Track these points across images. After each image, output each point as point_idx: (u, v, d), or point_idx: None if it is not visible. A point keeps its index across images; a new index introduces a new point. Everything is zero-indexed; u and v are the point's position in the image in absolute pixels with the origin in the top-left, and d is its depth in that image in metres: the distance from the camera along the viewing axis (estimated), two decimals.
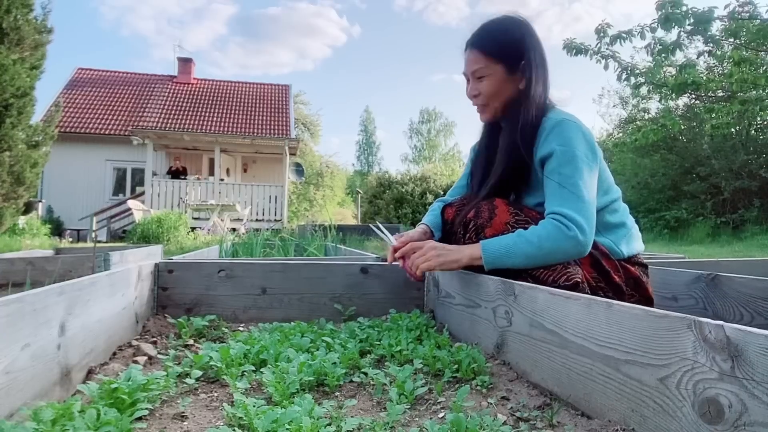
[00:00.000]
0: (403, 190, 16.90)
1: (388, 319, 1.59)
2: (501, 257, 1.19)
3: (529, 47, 1.34)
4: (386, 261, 1.52)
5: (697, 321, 0.63)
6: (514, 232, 1.23)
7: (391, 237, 1.46)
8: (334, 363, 1.08)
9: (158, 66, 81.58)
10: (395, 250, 1.38)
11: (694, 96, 9.52)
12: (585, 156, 1.24)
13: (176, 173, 13.41)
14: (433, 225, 1.53)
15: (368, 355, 1.23)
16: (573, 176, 1.20)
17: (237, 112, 17.41)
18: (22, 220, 8.52)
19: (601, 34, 6.39)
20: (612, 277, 1.25)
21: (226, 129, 16.24)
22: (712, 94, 8.13)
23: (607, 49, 6.52)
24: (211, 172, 14.05)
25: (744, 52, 6.75)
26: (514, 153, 1.32)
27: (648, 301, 1.32)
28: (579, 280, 1.19)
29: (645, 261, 1.41)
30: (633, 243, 1.37)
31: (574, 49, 6.54)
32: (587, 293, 1.20)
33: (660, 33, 6.21)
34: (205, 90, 18.42)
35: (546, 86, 1.36)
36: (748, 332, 0.56)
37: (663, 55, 6.41)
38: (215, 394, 0.99)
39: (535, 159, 1.29)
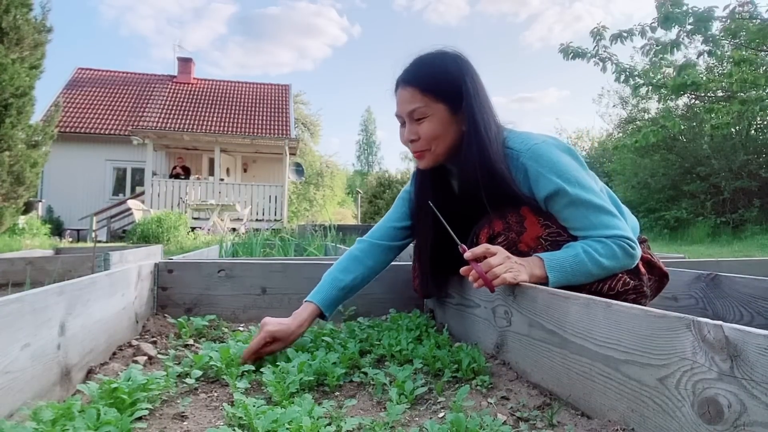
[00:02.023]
0: None
1: (388, 319, 1.59)
2: (566, 280, 1.11)
3: (468, 84, 1.21)
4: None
5: (696, 321, 0.63)
6: (550, 244, 1.17)
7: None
8: (334, 363, 1.08)
9: (157, 66, 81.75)
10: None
11: (693, 96, 9.52)
12: (579, 170, 1.19)
13: (176, 176, 13.41)
14: (325, 303, 1.29)
15: (368, 355, 1.23)
16: (593, 198, 1.15)
17: (237, 112, 17.40)
18: (22, 220, 8.52)
19: (597, 37, 6.39)
20: (639, 267, 1.21)
21: (226, 129, 16.23)
22: (712, 94, 8.13)
23: (604, 51, 6.51)
24: (211, 172, 14.05)
25: (744, 52, 6.75)
26: (501, 196, 1.19)
27: (663, 276, 1.30)
28: (635, 282, 1.17)
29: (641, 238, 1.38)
30: (631, 220, 1.35)
31: (571, 53, 6.54)
32: (642, 291, 1.19)
33: (659, 33, 6.22)
34: (205, 90, 18.42)
35: (495, 119, 1.25)
36: (747, 332, 0.56)
37: (660, 55, 6.41)
38: (215, 394, 0.99)
39: (537, 197, 1.18)
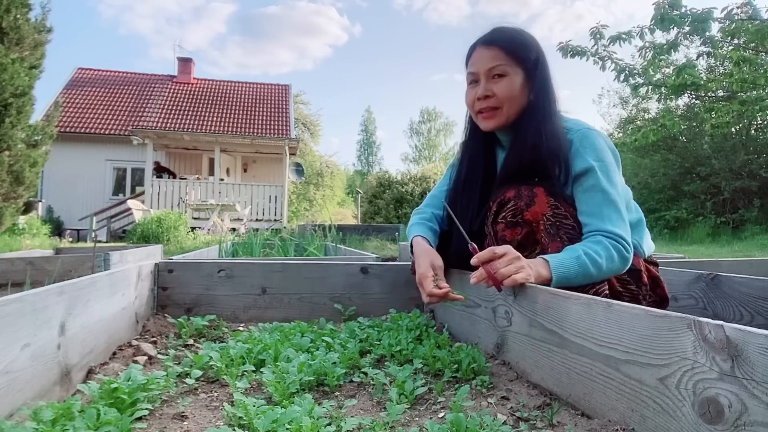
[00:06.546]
0: (403, 190, 16.87)
1: (388, 319, 1.59)
2: (567, 281, 1.11)
3: (542, 57, 1.31)
4: (386, 261, 1.46)
5: (697, 321, 0.63)
6: (551, 225, 1.19)
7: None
8: (334, 363, 1.08)
9: (157, 65, 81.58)
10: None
11: (694, 96, 9.52)
12: (614, 166, 1.25)
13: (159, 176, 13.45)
14: (431, 239, 1.42)
15: (368, 355, 1.23)
16: (613, 192, 1.19)
17: (237, 112, 17.39)
18: (22, 220, 8.52)
19: (597, 36, 6.39)
20: (642, 277, 1.22)
21: (226, 129, 16.22)
22: (712, 94, 8.14)
23: (604, 50, 6.53)
24: (211, 172, 14.05)
25: (743, 53, 6.75)
26: (546, 164, 1.24)
27: (663, 300, 1.30)
28: (607, 293, 1.17)
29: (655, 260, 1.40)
30: (649, 241, 1.37)
31: (570, 51, 6.55)
32: (637, 300, 1.20)
33: (657, 34, 6.23)
34: (205, 90, 18.41)
35: (556, 97, 1.32)
36: (748, 332, 0.56)
37: (657, 56, 6.42)
38: (215, 394, 0.99)
39: (570, 173, 1.23)
